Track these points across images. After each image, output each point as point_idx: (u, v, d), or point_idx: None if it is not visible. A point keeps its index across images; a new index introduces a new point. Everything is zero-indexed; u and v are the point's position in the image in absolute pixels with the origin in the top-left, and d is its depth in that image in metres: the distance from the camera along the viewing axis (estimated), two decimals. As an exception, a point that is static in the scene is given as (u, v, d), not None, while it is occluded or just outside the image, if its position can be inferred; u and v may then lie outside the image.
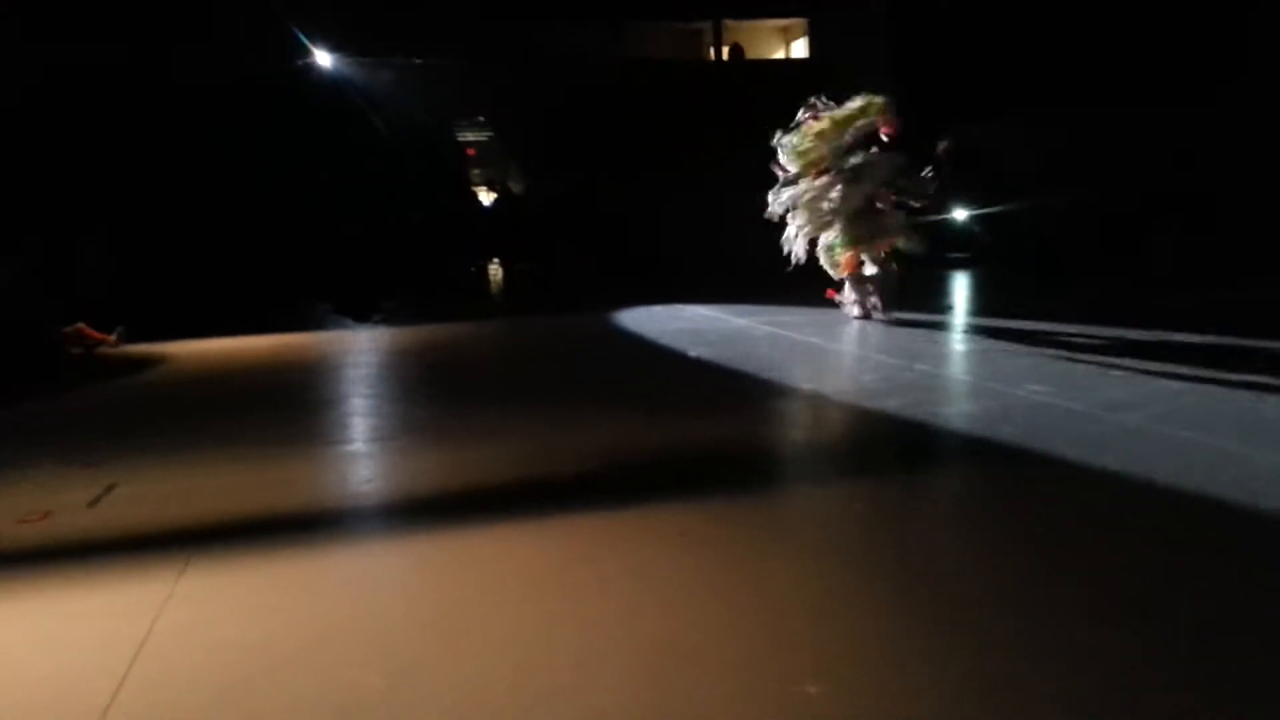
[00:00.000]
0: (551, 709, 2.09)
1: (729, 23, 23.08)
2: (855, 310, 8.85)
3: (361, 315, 11.19)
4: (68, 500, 3.86)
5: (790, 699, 2.08)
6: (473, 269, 18.45)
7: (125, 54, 12.86)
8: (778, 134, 8.66)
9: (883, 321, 8.52)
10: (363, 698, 2.18)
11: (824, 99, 8.72)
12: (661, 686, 2.17)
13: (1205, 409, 4.79)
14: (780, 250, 8.80)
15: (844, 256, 8.62)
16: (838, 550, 3.06)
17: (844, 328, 8.39)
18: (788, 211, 8.72)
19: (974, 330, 8.40)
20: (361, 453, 4.70)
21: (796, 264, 8.71)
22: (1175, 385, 5.39)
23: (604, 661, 2.30)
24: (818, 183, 8.55)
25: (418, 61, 18.66)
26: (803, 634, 2.42)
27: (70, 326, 8.82)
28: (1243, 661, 2.20)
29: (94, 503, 3.84)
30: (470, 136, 22.46)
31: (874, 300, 8.74)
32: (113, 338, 9.04)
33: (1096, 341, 7.12)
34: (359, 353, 8.53)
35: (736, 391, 6.08)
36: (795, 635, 2.42)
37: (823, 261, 8.81)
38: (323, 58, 16.13)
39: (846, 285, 8.90)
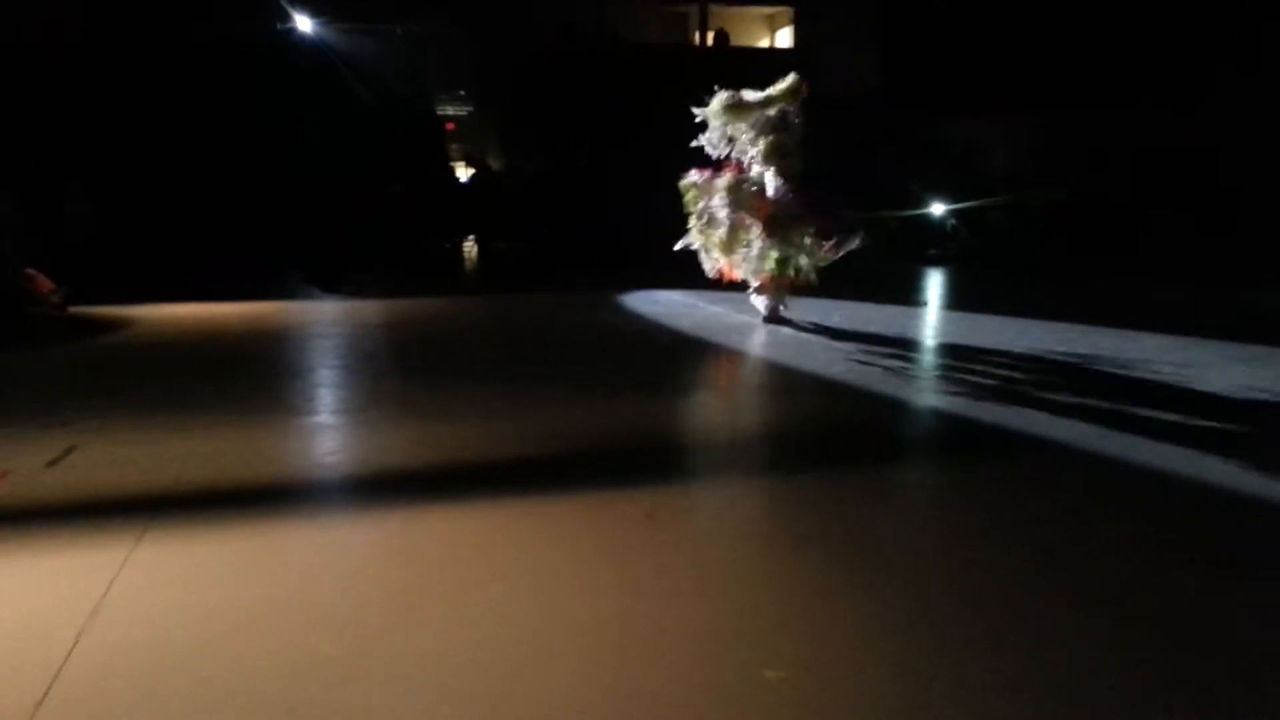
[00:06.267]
0: (510, 684, 2.08)
1: (714, 8, 23.04)
2: (762, 308, 8.40)
3: (331, 286, 11.10)
4: (27, 460, 3.80)
5: (749, 683, 2.08)
6: (448, 245, 18.33)
7: (111, 13, 12.67)
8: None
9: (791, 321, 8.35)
10: (317, 666, 2.16)
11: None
12: (621, 666, 2.16)
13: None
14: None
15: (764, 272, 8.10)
16: (802, 537, 3.06)
17: (811, 318, 8.38)
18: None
19: (947, 326, 8.43)
20: (327, 424, 4.66)
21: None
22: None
23: (565, 640, 2.29)
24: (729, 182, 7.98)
25: (398, 31, 18.48)
26: (764, 618, 2.42)
27: (28, 272, 8.60)
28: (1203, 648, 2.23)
29: (53, 463, 3.78)
30: (450, 110, 22.30)
31: (781, 302, 8.36)
32: (56, 296, 8.78)
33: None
34: (329, 324, 8.46)
35: (708, 378, 6.08)
36: (757, 619, 2.42)
37: (741, 271, 8.23)
38: (303, 23, 15.93)
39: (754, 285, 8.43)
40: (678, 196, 8.36)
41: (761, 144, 7.91)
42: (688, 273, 8.74)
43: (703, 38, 23.35)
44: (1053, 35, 15.16)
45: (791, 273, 8.07)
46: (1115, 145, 14.08)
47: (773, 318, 8.27)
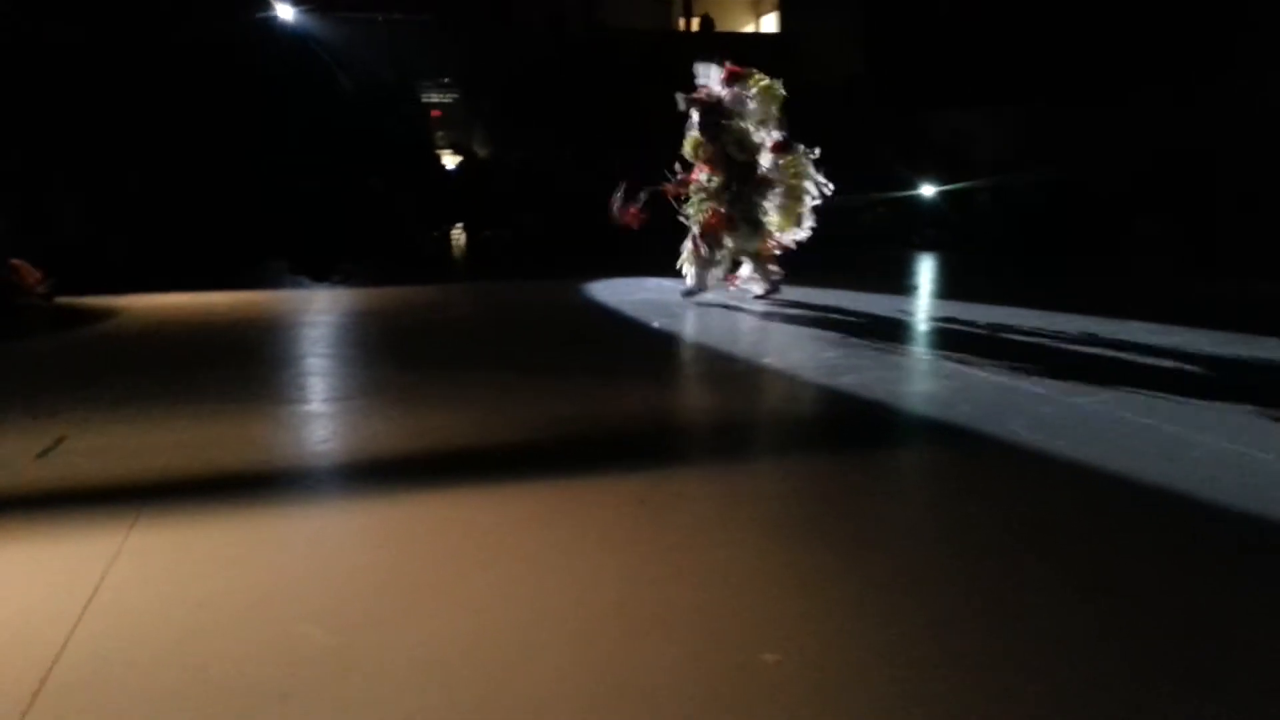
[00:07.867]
0: (505, 671, 2.09)
1: (699, -8, 23.02)
2: (756, 289, 8.72)
3: (319, 275, 11.05)
4: (15, 451, 3.79)
5: (747, 668, 2.09)
6: (436, 233, 18.23)
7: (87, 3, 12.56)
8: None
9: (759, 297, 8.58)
10: (311, 654, 2.17)
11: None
12: (617, 653, 2.17)
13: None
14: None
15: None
16: (796, 523, 3.08)
17: (803, 302, 8.39)
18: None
19: (939, 311, 8.46)
20: (319, 413, 4.66)
21: None
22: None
23: (560, 627, 2.30)
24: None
25: (380, 19, 18.36)
26: (761, 604, 2.44)
27: (13, 262, 8.54)
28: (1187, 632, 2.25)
29: (43, 454, 3.77)
30: (435, 98, 22.16)
31: (773, 277, 8.66)
32: (42, 287, 8.71)
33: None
34: (318, 313, 8.44)
35: (696, 363, 6.09)
36: (753, 605, 2.43)
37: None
38: (284, 11, 15.79)
39: (747, 266, 8.81)
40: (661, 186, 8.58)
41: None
42: (673, 262, 8.79)
43: (687, 23, 23.29)
44: (1043, 27, 15.13)
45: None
46: (1106, 138, 14.09)
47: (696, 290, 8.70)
